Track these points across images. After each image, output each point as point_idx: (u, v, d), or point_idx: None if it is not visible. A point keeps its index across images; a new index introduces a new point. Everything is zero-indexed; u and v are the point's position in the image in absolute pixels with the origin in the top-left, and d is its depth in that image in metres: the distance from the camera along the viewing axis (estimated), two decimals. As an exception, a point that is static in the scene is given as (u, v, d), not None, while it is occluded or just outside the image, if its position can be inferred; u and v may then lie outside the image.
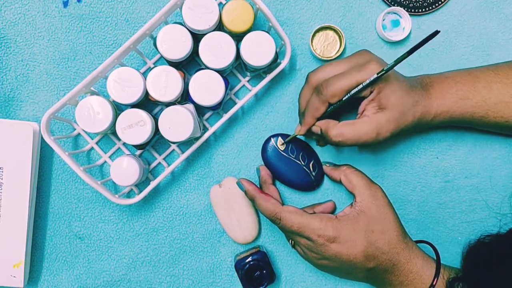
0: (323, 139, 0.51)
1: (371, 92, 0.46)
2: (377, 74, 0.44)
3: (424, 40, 0.41)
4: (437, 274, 0.47)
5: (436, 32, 0.41)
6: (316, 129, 0.49)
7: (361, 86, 0.45)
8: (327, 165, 0.54)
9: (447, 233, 0.57)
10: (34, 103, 0.55)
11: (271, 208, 0.47)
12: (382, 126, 0.46)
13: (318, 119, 0.49)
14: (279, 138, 0.54)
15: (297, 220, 0.46)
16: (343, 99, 0.46)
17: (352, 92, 0.46)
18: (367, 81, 0.45)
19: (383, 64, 0.46)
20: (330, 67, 0.48)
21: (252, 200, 0.49)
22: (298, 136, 0.54)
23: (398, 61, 0.43)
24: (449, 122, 0.51)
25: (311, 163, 0.54)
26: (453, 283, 0.46)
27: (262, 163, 0.55)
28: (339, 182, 0.52)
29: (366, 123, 0.46)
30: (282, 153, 0.53)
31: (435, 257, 0.49)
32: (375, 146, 0.56)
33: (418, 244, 0.51)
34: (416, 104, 0.48)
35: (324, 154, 0.56)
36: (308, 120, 0.49)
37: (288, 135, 0.54)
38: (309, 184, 0.54)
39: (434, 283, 0.47)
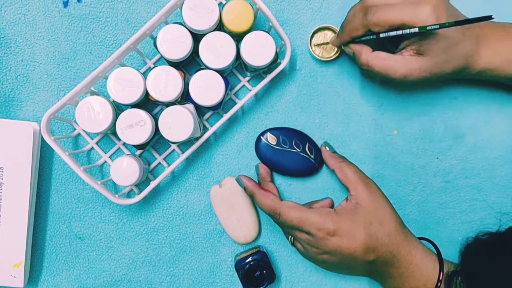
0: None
1: (415, 35, 0.45)
2: (424, 28, 0.42)
3: (477, 18, 0.40)
4: (441, 269, 0.47)
5: (490, 17, 0.39)
6: (349, 50, 0.49)
7: (401, 32, 0.43)
8: (326, 148, 0.54)
9: (447, 233, 0.57)
10: (34, 103, 0.55)
11: (270, 203, 0.47)
12: (413, 71, 0.45)
13: (355, 40, 0.48)
14: (268, 133, 0.54)
15: (296, 214, 0.46)
16: (381, 35, 0.45)
17: (393, 33, 0.44)
18: (409, 31, 0.43)
19: (438, 10, 0.43)
20: None
21: (251, 196, 0.49)
22: (304, 130, 0.54)
23: (450, 24, 0.41)
24: (493, 77, 0.49)
25: (307, 146, 0.54)
26: (452, 277, 0.47)
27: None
28: (332, 171, 0.52)
29: (398, 63, 0.45)
30: (276, 147, 0.53)
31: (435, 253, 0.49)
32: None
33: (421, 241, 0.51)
34: (462, 57, 0.46)
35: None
36: (344, 35, 0.48)
37: (275, 128, 0.54)
38: (311, 167, 0.55)
39: (440, 278, 0.47)
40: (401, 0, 0.45)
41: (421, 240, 0.51)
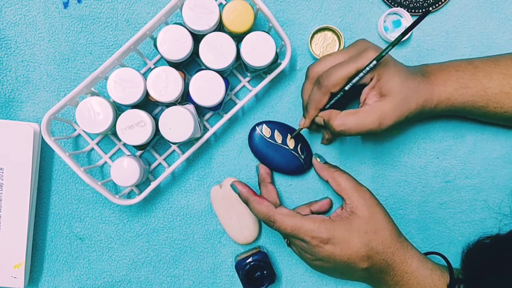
0: (327, 131, 0.51)
1: (371, 80, 0.46)
2: (375, 59, 0.44)
3: (416, 20, 0.41)
4: (452, 283, 0.47)
5: (428, 11, 0.40)
6: (319, 119, 0.49)
7: (361, 74, 0.45)
8: (317, 159, 0.54)
9: (447, 233, 0.57)
10: (35, 104, 0.55)
11: (264, 210, 0.47)
12: (385, 114, 0.46)
13: (321, 110, 0.49)
14: (264, 125, 0.54)
15: (290, 222, 0.46)
16: (345, 88, 0.46)
17: (354, 80, 0.46)
18: (366, 68, 0.45)
19: (380, 51, 0.46)
20: (329, 59, 0.48)
21: (246, 202, 0.49)
22: (302, 131, 0.54)
23: (393, 43, 0.43)
24: (450, 111, 0.50)
25: (299, 146, 0.54)
26: (453, 284, 0.46)
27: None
28: (326, 182, 0.52)
29: (369, 112, 0.46)
30: (269, 140, 0.53)
31: (443, 262, 0.49)
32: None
33: (429, 255, 0.50)
34: (417, 90, 0.47)
35: (325, 153, 0.56)
36: (311, 112, 0.49)
37: (272, 122, 0.54)
38: (299, 167, 0.55)
39: None
40: (343, 58, 0.47)
41: (431, 255, 0.51)
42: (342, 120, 0.47)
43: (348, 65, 0.46)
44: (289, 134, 0.54)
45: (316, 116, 0.50)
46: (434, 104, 0.49)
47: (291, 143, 0.54)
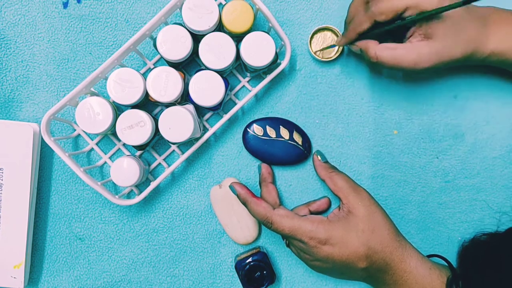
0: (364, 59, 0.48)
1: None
2: (432, 10, 0.42)
3: None
4: (453, 282, 0.47)
5: None
6: (355, 48, 0.48)
7: (412, 18, 0.43)
8: (318, 156, 0.54)
9: (447, 233, 0.57)
10: (34, 104, 0.55)
11: (262, 212, 0.47)
12: (422, 56, 0.44)
13: (361, 36, 0.47)
14: (254, 125, 0.54)
15: (288, 223, 0.46)
16: (389, 26, 0.44)
17: (405, 21, 0.44)
18: (419, 15, 0.42)
19: None
20: None
21: (244, 203, 0.49)
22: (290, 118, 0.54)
23: (455, 5, 0.40)
24: (502, 63, 0.48)
25: (293, 133, 0.54)
26: (451, 283, 0.47)
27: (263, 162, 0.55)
28: (323, 180, 0.52)
29: (407, 50, 0.44)
30: (263, 137, 0.53)
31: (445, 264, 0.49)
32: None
33: (431, 258, 0.50)
34: (468, 39, 0.45)
35: (325, 152, 0.56)
36: (350, 33, 0.47)
37: (261, 119, 0.54)
38: (300, 154, 0.55)
39: None
40: None
41: (433, 257, 0.51)
42: (380, 51, 0.45)
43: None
44: (281, 126, 0.54)
45: (355, 40, 0.47)
46: (486, 55, 0.46)
47: (285, 134, 0.53)
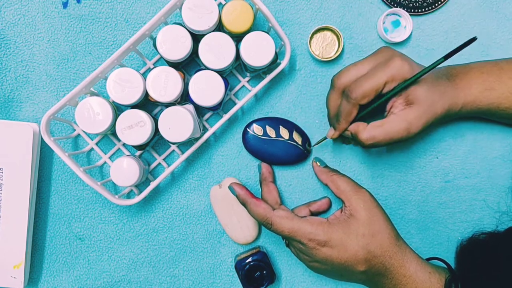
0: (354, 143, 0.50)
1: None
2: (408, 81, 0.44)
3: (461, 45, 0.41)
4: (448, 285, 0.47)
5: (474, 39, 0.41)
6: (347, 133, 0.49)
7: (392, 92, 0.45)
8: (317, 163, 0.54)
9: (447, 232, 0.57)
10: (34, 104, 0.55)
11: (262, 213, 0.47)
12: (412, 122, 0.46)
13: (351, 122, 0.48)
14: (254, 124, 0.54)
15: (287, 225, 0.46)
16: (375, 103, 0.46)
17: (382, 99, 0.46)
18: (400, 85, 0.45)
19: (406, 59, 0.45)
20: (354, 69, 0.47)
21: (243, 204, 0.49)
22: (289, 118, 0.54)
23: (434, 65, 0.43)
24: (475, 113, 0.50)
25: (293, 133, 0.54)
26: (450, 284, 0.47)
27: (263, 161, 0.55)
28: (325, 185, 0.52)
29: (396, 122, 0.46)
30: (263, 137, 0.53)
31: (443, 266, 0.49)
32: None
33: (430, 261, 0.50)
34: (443, 95, 0.47)
35: (324, 153, 0.56)
36: (342, 125, 0.49)
37: (260, 119, 0.54)
38: (300, 154, 0.55)
39: None
40: (368, 68, 0.46)
41: (433, 260, 0.51)
42: (370, 133, 0.46)
43: (376, 76, 0.45)
44: (280, 126, 0.54)
45: (346, 129, 0.49)
46: (459, 107, 0.48)
47: (285, 134, 0.53)
